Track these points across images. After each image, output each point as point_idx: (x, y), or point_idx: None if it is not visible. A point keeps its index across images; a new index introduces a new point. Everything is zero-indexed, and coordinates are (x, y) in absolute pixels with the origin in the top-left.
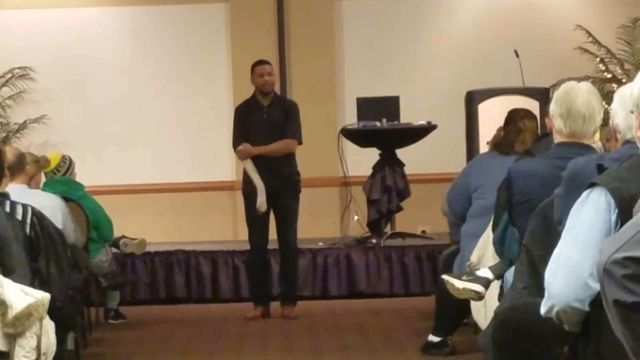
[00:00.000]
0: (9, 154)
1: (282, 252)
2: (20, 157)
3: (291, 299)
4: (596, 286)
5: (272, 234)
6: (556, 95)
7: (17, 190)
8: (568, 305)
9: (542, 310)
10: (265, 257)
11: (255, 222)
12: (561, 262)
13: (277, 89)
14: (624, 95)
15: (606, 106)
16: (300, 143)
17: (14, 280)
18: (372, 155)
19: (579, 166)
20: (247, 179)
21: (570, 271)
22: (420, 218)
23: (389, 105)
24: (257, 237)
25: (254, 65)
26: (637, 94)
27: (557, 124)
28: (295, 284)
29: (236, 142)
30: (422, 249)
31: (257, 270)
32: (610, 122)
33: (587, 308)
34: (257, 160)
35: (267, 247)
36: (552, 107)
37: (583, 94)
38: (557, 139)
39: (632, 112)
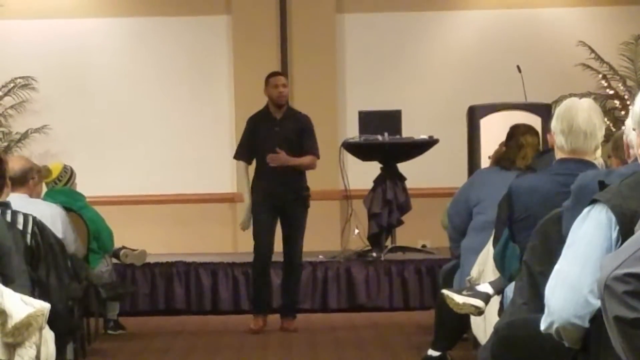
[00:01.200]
0: (16, 164)
1: (287, 266)
2: (26, 172)
3: (292, 312)
4: (596, 303)
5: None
6: (557, 111)
7: (18, 200)
8: (568, 321)
9: (542, 326)
10: (269, 269)
11: (262, 233)
12: (561, 278)
13: None
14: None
15: (608, 122)
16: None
17: (14, 290)
18: (373, 168)
19: (588, 179)
20: (253, 188)
21: (570, 287)
22: (421, 232)
23: (390, 119)
24: (263, 248)
25: (268, 77)
26: (638, 111)
27: (558, 140)
28: (297, 298)
29: (239, 151)
30: (422, 263)
31: (261, 281)
32: (625, 137)
33: (587, 324)
34: (270, 172)
35: (272, 259)
36: (554, 124)
37: (584, 110)
38: (559, 155)
39: (634, 129)
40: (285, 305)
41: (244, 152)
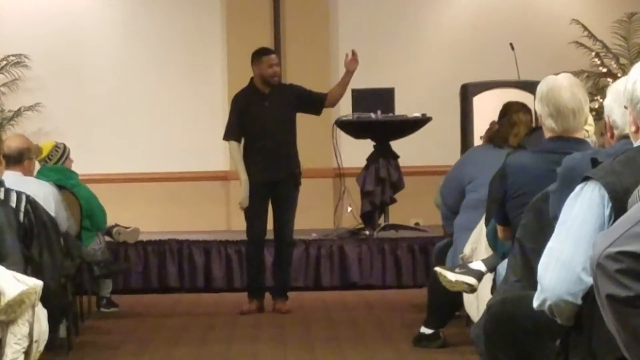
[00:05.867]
0: (12, 143)
1: (279, 245)
2: (22, 151)
3: (284, 293)
4: (589, 280)
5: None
6: (540, 94)
7: (11, 178)
8: (560, 299)
9: (535, 303)
10: (263, 253)
11: (256, 217)
12: (554, 256)
13: None
14: (619, 91)
15: (601, 100)
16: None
17: (7, 268)
18: (366, 146)
19: (574, 162)
20: (248, 169)
21: (563, 265)
22: (414, 210)
23: (383, 97)
24: (258, 233)
25: (262, 54)
26: (631, 89)
27: (547, 123)
28: (288, 278)
29: (230, 131)
30: (415, 241)
31: (256, 265)
32: (606, 117)
33: (579, 302)
34: (263, 151)
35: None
36: (539, 107)
37: (566, 88)
38: (548, 135)
39: (625, 107)
40: (277, 287)
41: (235, 132)
